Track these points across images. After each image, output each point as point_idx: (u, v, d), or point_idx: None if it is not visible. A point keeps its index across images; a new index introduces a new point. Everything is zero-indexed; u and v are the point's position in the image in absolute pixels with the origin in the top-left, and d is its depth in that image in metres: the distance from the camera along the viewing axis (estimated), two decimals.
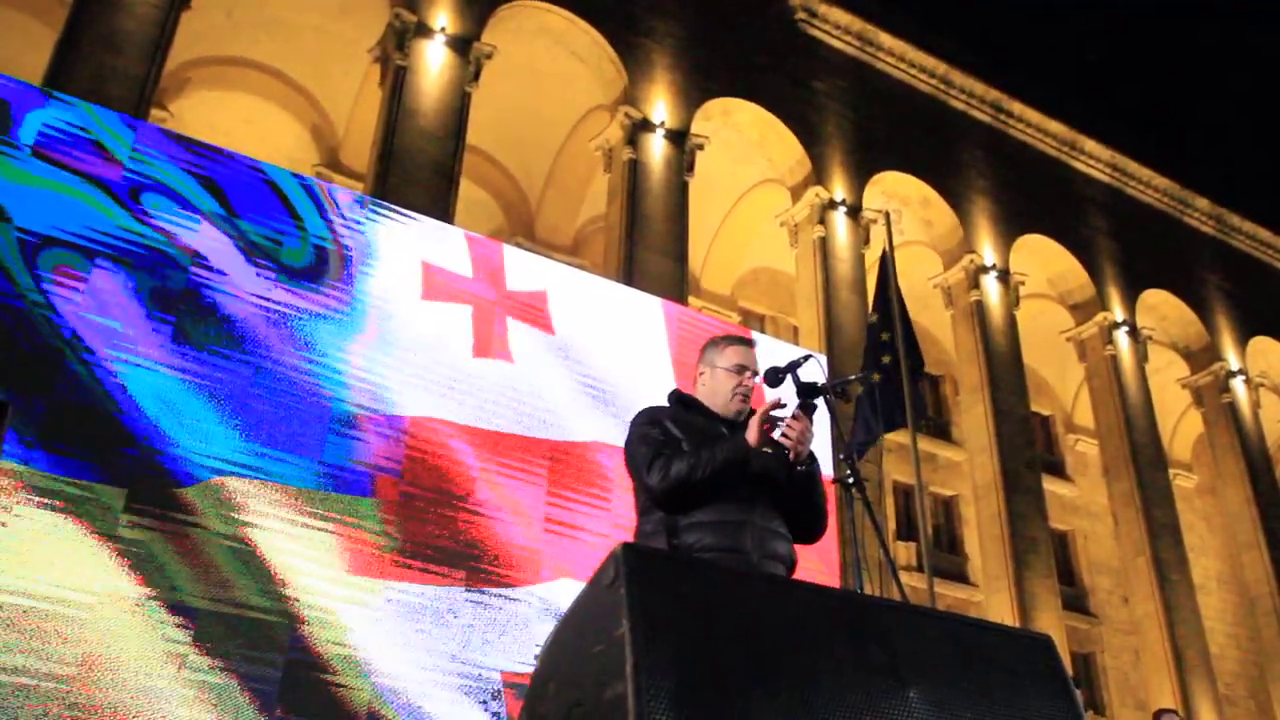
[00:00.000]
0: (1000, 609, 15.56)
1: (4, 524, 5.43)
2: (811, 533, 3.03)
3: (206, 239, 6.76)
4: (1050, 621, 15.45)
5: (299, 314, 6.81)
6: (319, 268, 7.05)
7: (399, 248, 7.42)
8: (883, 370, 9.64)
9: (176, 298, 6.48)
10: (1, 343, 5.91)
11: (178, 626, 5.60)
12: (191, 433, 6.11)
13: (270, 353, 6.59)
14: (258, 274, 6.80)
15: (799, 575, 2.85)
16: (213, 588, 5.78)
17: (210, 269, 6.68)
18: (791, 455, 2.86)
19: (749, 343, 3.16)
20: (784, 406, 2.83)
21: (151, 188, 6.72)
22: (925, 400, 10.97)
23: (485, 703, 6.24)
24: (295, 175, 7.54)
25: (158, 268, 6.52)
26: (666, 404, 3.12)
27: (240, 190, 7.02)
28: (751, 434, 2.80)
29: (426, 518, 6.59)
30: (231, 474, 6.13)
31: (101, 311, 6.25)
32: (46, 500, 5.56)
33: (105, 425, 5.92)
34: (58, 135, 6.62)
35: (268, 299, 6.76)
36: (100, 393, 6.00)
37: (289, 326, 6.74)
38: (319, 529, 6.22)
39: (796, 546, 2.98)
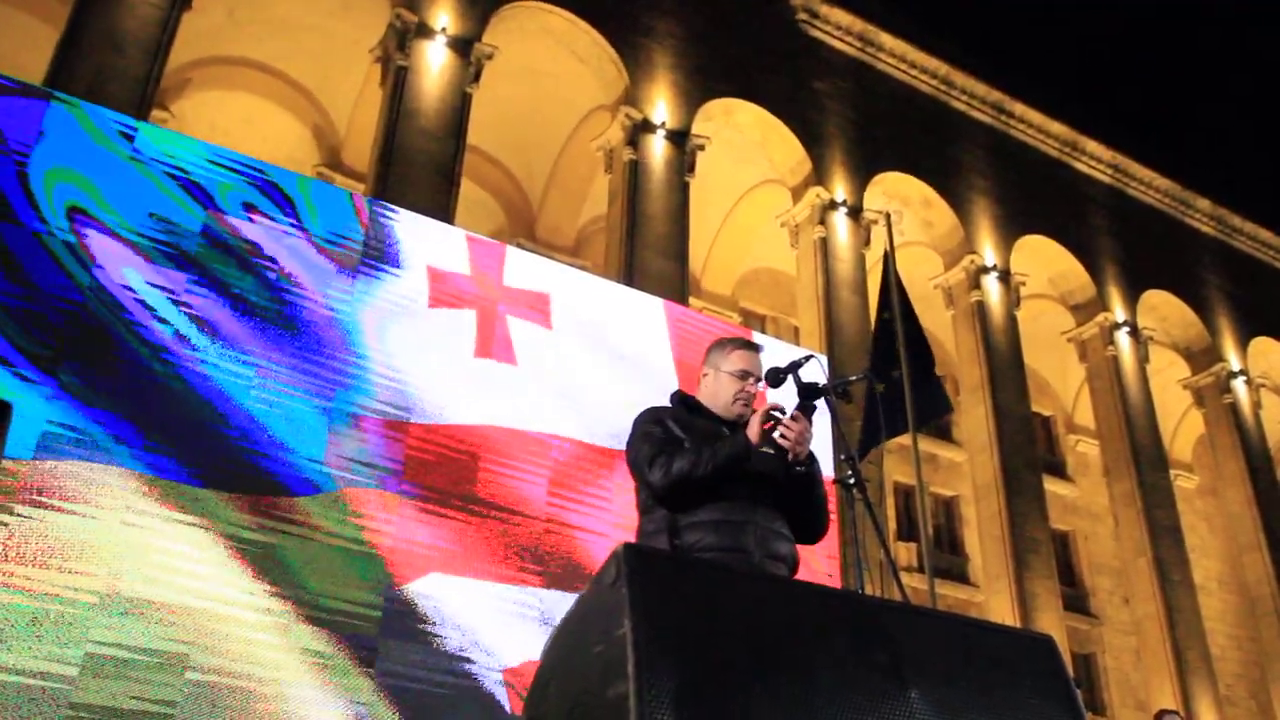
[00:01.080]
0: (1001, 609, 15.56)
1: (4, 524, 5.43)
2: (813, 532, 3.03)
3: (269, 242, 6.84)
4: (1051, 622, 15.45)
5: (313, 316, 6.82)
6: (341, 270, 7.07)
7: (404, 250, 7.43)
8: (899, 366, 9.64)
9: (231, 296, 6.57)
10: (69, 337, 5.99)
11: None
12: (192, 432, 6.12)
13: (274, 355, 6.59)
14: (312, 277, 6.90)
15: (800, 576, 2.86)
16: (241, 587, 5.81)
17: (273, 272, 6.76)
18: (790, 456, 2.86)
19: (755, 348, 3.16)
20: (783, 409, 2.85)
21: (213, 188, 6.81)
22: (945, 393, 10.89)
23: (486, 701, 6.24)
24: (320, 181, 7.55)
25: (230, 270, 6.59)
26: (669, 404, 3.13)
27: (285, 195, 7.09)
28: (752, 431, 2.81)
29: (427, 518, 6.59)
30: (234, 473, 6.13)
31: (188, 313, 6.35)
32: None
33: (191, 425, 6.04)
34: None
35: (319, 301, 6.82)
36: (187, 393, 6.11)
37: (301, 327, 6.74)
38: (320, 530, 6.21)
39: (798, 547, 2.99)
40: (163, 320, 6.33)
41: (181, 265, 6.53)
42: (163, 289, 6.41)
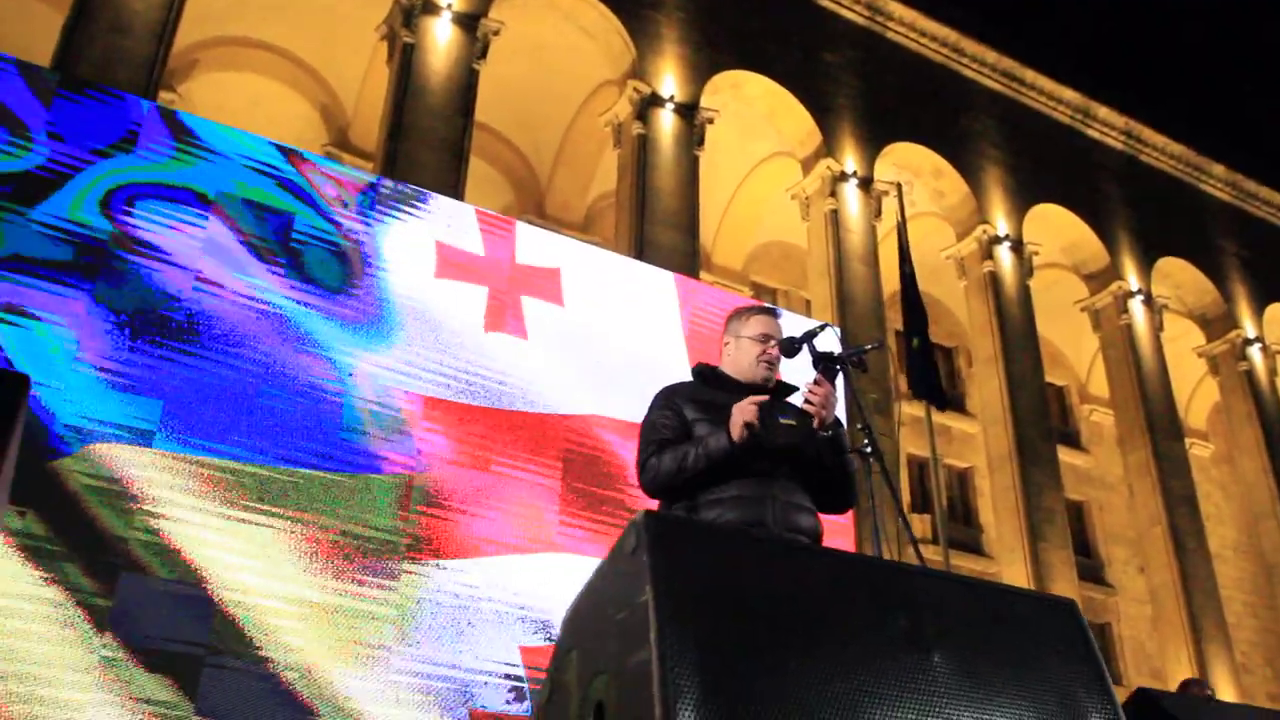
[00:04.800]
0: (1016, 580, 15.56)
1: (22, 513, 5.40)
2: (841, 501, 3.03)
3: (208, 234, 6.76)
4: (1066, 592, 15.45)
5: (309, 300, 6.81)
6: (334, 255, 7.04)
7: (412, 226, 7.41)
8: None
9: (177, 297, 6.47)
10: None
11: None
12: (189, 430, 6.09)
13: (276, 342, 6.59)
14: (268, 268, 6.80)
15: None
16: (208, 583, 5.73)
17: (212, 263, 6.68)
18: (816, 422, 2.85)
19: (774, 312, 3.21)
20: (771, 405, 2.81)
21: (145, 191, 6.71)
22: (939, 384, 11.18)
23: (497, 694, 6.27)
24: (291, 152, 7.52)
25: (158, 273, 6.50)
26: (690, 378, 3.13)
27: (239, 176, 7.02)
28: (735, 426, 2.77)
29: (436, 508, 6.60)
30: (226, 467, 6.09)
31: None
32: None
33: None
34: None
35: (275, 287, 6.76)
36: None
37: (298, 313, 6.74)
38: (323, 524, 6.17)
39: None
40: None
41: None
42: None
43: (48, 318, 5.98)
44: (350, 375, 6.67)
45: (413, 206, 7.55)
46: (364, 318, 6.92)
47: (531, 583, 6.62)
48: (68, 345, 5.97)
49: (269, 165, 7.13)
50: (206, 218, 6.72)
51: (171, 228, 6.60)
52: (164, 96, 13.73)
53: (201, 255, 6.62)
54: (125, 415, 5.93)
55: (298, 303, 6.74)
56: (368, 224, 7.26)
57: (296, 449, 6.29)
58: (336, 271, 6.98)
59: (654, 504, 2.92)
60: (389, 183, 7.89)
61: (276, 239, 6.87)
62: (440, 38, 14.03)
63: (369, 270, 7.09)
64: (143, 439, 5.90)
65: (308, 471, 6.25)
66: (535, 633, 6.47)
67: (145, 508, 5.74)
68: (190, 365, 6.23)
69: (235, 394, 6.27)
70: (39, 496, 5.51)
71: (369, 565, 6.17)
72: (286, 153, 7.30)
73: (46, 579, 5.34)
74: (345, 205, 7.24)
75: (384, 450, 6.56)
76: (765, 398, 2.82)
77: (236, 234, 6.78)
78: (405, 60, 13.70)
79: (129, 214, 6.50)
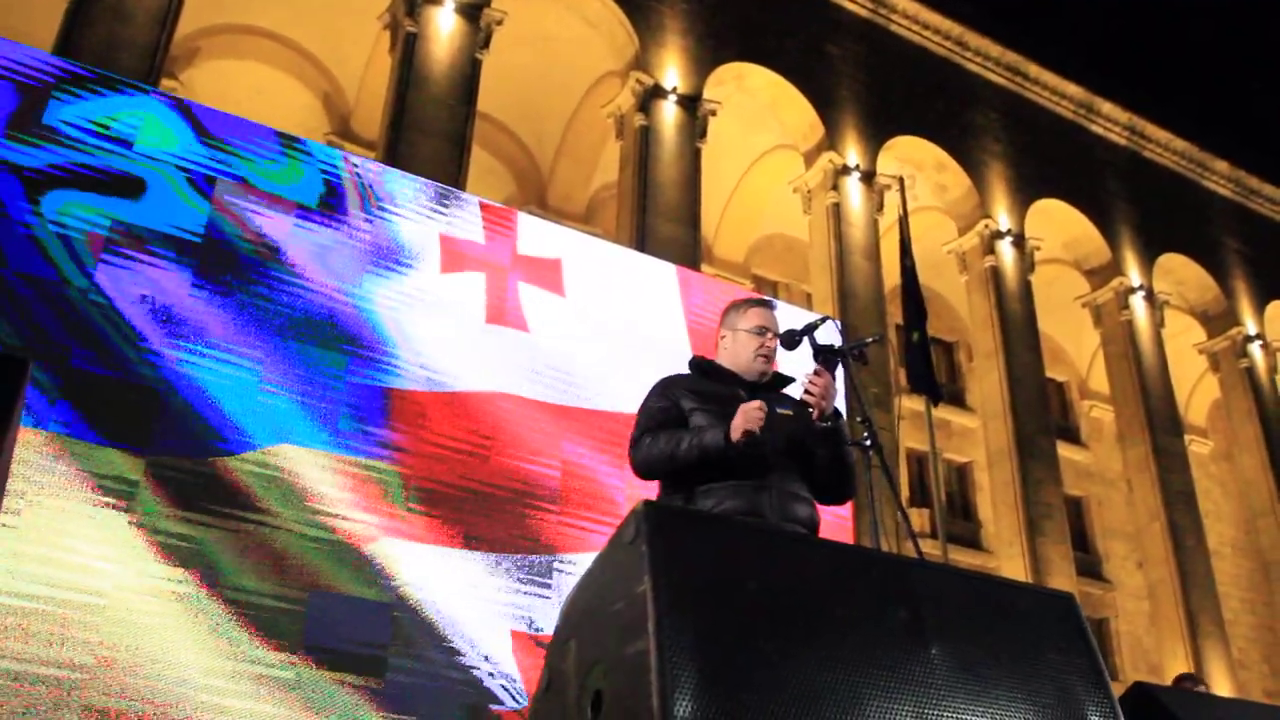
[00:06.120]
0: (1014, 575, 15.56)
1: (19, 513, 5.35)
2: (840, 493, 3.02)
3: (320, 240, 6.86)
4: (1064, 586, 15.45)
5: (319, 287, 6.81)
6: (342, 241, 7.04)
7: (423, 221, 7.41)
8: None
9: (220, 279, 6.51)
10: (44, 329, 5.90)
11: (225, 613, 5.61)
12: (221, 421, 6.10)
13: (285, 330, 6.59)
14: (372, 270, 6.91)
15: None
16: (252, 573, 5.77)
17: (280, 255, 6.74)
18: (815, 413, 2.85)
19: (770, 305, 3.21)
20: (769, 412, 2.78)
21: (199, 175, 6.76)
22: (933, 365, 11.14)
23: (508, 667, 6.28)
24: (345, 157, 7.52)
25: (211, 255, 6.53)
26: (688, 370, 3.13)
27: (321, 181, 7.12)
28: (735, 433, 2.75)
29: (441, 495, 6.60)
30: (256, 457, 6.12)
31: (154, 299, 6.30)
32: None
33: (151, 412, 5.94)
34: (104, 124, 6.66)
35: (291, 275, 6.76)
36: (154, 381, 6.01)
37: (306, 300, 6.73)
38: (340, 513, 6.19)
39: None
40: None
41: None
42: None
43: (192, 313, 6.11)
44: (365, 366, 6.68)
45: (422, 201, 7.55)
46: (386, 310, 6.93)
47: (528, 578, 6.63)
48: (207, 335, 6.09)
49: (334, 168, 7.24)
50: (319, 224, 6.84)
51: (290, 233, 6.73)
52: (166, 84, 13.69)
53: (311, 260, 6.74)
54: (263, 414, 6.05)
55: (351, 304, 6.81)
56: (376, 220, 7.26)
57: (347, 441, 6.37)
58: (369, 266, 7.05)
59: (653, 494, 2.92)
60: (407, 176, 7.91)
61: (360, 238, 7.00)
62: (443, 27, 13.99)
63: (387, 263, 7.10)
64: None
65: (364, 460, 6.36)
66: (530, 627, 6.48)
67: (311, 504, 5.88)
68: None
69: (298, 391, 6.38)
70: (193, 493, 5.69)
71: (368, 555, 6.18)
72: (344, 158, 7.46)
73: (189, 572, 5.49)
74: (370, 202, 7.26)
75: (387, 441, 6.57)
76: (766, 405, 2.79)
77: (343, 238, 6.92)
78: (408, 49, 13.65)
79: (251, 217, 6.63)
